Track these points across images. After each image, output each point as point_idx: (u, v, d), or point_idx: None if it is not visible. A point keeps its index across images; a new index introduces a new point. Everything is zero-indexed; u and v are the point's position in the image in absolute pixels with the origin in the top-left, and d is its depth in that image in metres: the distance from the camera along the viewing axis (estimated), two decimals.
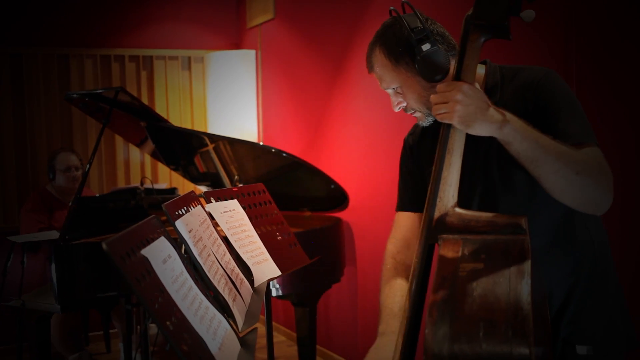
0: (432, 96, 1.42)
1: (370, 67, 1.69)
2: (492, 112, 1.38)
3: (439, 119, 1.42)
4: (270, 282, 2.84)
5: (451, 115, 1.37)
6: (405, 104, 1.66)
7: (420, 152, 1.79)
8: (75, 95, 3.75)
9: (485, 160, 1.60)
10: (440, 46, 1.54)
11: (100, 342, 4.86)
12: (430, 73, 1.53)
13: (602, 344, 1.56)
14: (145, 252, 1.17)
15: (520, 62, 2.65)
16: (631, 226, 2.33)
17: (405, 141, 1.86)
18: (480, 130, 1.39)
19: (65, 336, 4.05)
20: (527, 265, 1.17)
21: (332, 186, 3.88)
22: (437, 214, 1.36)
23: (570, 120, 1.49)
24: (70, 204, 4.15)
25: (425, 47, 1.52)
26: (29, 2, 5.00)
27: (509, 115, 1.39)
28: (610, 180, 1.45)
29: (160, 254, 1.23)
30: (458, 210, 1.35)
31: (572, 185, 1.41)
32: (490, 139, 1.57)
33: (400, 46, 1.59)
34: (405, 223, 1.82)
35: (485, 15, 1.39)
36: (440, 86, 1.41)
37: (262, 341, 4.64)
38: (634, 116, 2.32)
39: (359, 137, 4.02)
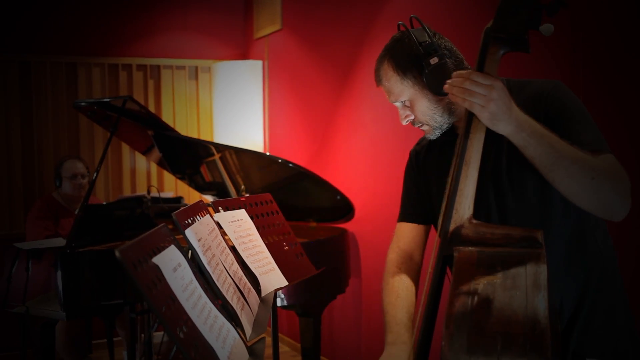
0: (466, 82, 1.39)
1: (378, 81, 1.70)
2: (517, 115, 1.39)
3: (467, 105, 1.39)
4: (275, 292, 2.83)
5: (483, 110, 1.37)
6: (412, 117, 1.67)
7: (427, 164, 1.80)
8: (83, 104, 3.76)
9: (495, 171, 1.60)
10: (448, 60, 1.55)
11: (103, 350, 4.85)
12: (438, 86, 1.54)
13: (611, 356, 1.56)
14: (156, 260, 1.17)
15: (527, 73, 2.66)
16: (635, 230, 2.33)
17: (411, 153, 1.87)
18: (503, 129, 1.40)
19: (70, 343, 4.05)
20: (544, 279, 1.16)
21: (338, 197, 3.88)
22: (452, 226, 1.36)
23: (583, 130, 1.50)
24: (76, 211, 4.15)
25: (434, 60, 1.54)
26: (37, 11, 5.02)
27: (528, 121, 1.40)
28: (627, 187, 1.45)
29: (170, 262, 1.23)
30: (474, 222, 1.35)
31: (587, 191, 1.41)
32: (498, 150, 1.57)
33: (409, 59, 1.61)
34: (408, 234, 1.83)
35: (504, 28, 1.40)
36: (477, 76, 1.39)
37: (267, 351, 4.63)
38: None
39: (365, 148, 4.02)
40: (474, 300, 1.15)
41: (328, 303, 3.82)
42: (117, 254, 1.04)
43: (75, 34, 5.15)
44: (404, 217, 1.86)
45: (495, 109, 1.36)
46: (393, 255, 1.82)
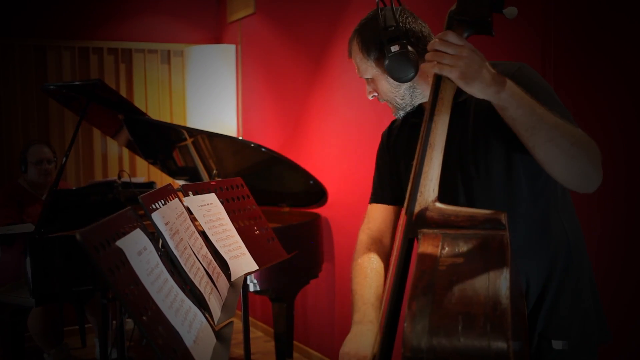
0: (436, 44, 1.34)
1: (349, 53, 1.73)
2: (493, 75, 1.35)
3: (436, 69, 1.34)
4: (248, 277, 2.82)
5: (452, 70, 1.32)
6: (376, 94, 1.70)
7: (397, 144, 1.81)
8: (52, 87, 3.70)
9: (460, 154, 1.61)
10: (410, 48, 1.54)
11: (75, 337, 4.82)
12: (396, 74, 1.54)
13: (577, 338, 1.57)
14: (120, 243, 1.15)
15: (498, 58, 2.66)
16: (593, 216, 2.35)
17: (383, 135, 1.89)
18: (478, 90, 1.35)
19: (47, 330, 4.01)
20: (506, 260, 1.17)
21: (311, 182, 3.88)
22: (417, 209, 1.35)
23: (550, 108, 1.50)
24: (44, 197, 4.09)
25: (394, 48, 1.53)
26: None
27: (508, 82, 1.37)
28: (599, 157, 1.45)
29: (135, 246, 1.21)
30: (438, 205, 1.35)
31: (566, 156, 1.39)
32: (463, 134, 1.58)
33: (374, 41, 1.62)
34: (379, 215, 1.83)
35: (468, 11, 1.39)
36: (447, 35, 1.34)
37: (239, 337, 4.62)
38: (609, 112, 2.34)
39: (339, 132, 4.01)
40: (436, 282, 1.15)
41: (301, 288, 3.82)
42: (77, 236, 1.02)
43: (44, 16, 5.05)
44: (375, 198, 1.87)
45: (464, 68, 1.31)
46: (363, 237, 1.83)
